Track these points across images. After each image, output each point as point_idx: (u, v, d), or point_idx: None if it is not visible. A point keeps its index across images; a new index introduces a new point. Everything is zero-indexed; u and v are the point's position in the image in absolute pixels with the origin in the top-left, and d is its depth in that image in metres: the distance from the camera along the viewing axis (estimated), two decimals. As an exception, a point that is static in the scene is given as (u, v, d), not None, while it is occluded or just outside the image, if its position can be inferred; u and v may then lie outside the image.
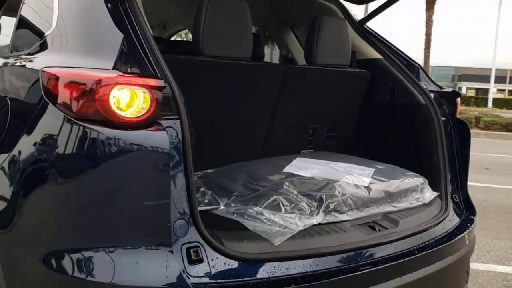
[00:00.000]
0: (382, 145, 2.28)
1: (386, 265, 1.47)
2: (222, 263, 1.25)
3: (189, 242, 1.23)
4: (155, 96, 1.20)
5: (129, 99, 1.19)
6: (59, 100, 1.23)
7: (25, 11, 1.92)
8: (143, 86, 1.19)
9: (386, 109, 2.21)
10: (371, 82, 2.21)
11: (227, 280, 1.24)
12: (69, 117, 1.21)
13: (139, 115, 1.19)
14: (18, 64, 1.60)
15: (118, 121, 1.18)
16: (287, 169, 1.78)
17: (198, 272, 1.21)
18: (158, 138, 1.19)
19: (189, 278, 1.18)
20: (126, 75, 1.20)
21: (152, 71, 1.26)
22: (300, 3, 2.21)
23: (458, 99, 2.09)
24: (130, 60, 1.28)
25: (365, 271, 1.42)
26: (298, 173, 1.73)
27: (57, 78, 1.25)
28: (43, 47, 1.55)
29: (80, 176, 1.20)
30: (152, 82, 1.20)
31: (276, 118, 2.00)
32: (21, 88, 1.47)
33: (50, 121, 1.26)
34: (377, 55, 2.23)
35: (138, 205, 1.18)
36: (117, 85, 1.18)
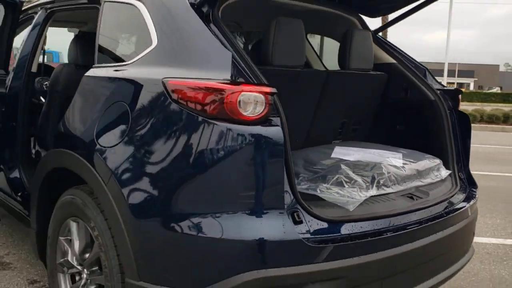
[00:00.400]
0: (396, 134, 2.74)
1: (426, 224, 1.92)
2: (315, 224, 1.66)
3: (293, 208, 1.63)
4: (268, 100, 1.59)
5: (250, 102, 1.58)
6: (191, 105, 1.61)
7: (106, 27, 2.25)
8: (260, 92, 1.58)
9: (400, 104, 2.67)
10: (387, 83, 2.67)
11: (321, 236, 1.65)
12: (202, 117, 1.59)
13: (256, 114, 1.58)
14: (123, 74, 1.94)
15: (241, 119, 1.57)
16: (334, 155, 2.19)
17: (301, 230, 1.61)
18: (272, 131, 1.59)
19: (298, 234, 1.59)
20: (247, 84, 1.58)
21: (259, 80, 1.66)
22: (328, 17, 2.62)
23: (460, 96, 2.57)
24: (241, 72, 1.66)
25: (412, 229, 1.86)
26: (344, 158, 2.15)
27: (189, 87, 1.62)
28: (147, 60, 1.90)
29: (213, 161, 1.58)
30: (266, 89, 1.60)
31: (316, 115, 2.42)
32: (139, 94, 1.81)
33: (182, 120, 1.63)
34: (391, 60, 2.68)
35: (262, 180, 1.57)
36: (242, 92, 1.56)
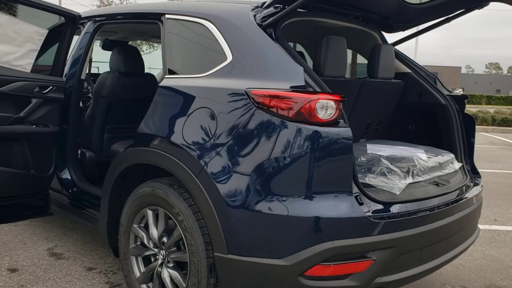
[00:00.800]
0: (409, 133, 3.20)
1: (452, 206, 2.37)
2: (373, 205, 2.08)
3: (356, 193, 2.04)
4: (338, 105, 2.00)
5: (324, 108, 1.98)
6: (274, 110, 2.00)
7: (173, 42, 2.60)
8: (333, 100, 1.99)
9: (414, 107, 3.12)
10: (404, 89, 3.11)
11: (377, 214, 2.06)
12: (283, 120, 1.98)
13: (329, 117, 1.99)
14: (203, 84, 2.31)
15: (316, 121, 1.97)
16: (369, 151, 2.62)
17: (363, 210, 2.03)
18: (342, 130, 2.00)
19: (363, 212, 2.01)
20: (323, 93, 1.99)
21: (325, 89, 2.06)
22: (357, 33, 3.05)
23: (465, 100, 3.05)
24: (311, 82, 2.07)
25: (441, 209, 2.31)
26: (378, 153, 2.58)
27: (272, 96, 2.01)
28: (222, 72, 2.28)
29: (294, 155, 1.97)
30: (337, 97, 2.00)
31: (350, 117, 2.84)
32: (223, 101, 2.18)
33: (265, 122, 2.02)
34: (407, 69, 3.13)
35: (336, 170, 1.98)
36: (319, 100, 1.97)
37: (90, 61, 3.41)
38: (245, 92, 2.10)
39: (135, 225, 2.60)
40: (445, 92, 3.06)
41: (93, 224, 3.10)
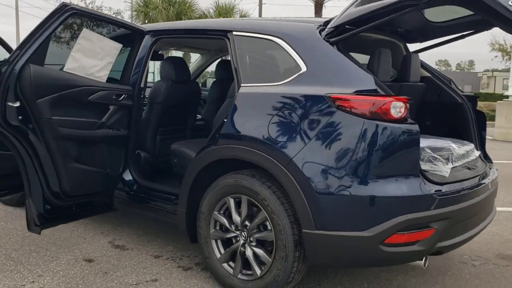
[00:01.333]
0: (427, 128, 3.74)
1: (481, 186, 2.91)
2: (432, 185, 2.59)
3: (421, 176, 2.56)
4: (406, 106, 2.50)
5: (396, 108, 2.47)
6: (355, 110, 2.48)
7: (244, 55, 3.04)
8: (402, 101, 2.49)
9: (434, 106, 3.67)
10: (425, 90, 3.66)
11: (437, 192, 2.57)
12: (361, 118, 2.46)
13: (399, 115, 2.48)
14: (283, 91, 2.75)
15: (391, 119, 2.46)
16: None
17: (428, 189, 2.54)
18: (411, 126, 2.50)
19: (428, 190, 2.53)
20: (395, 96, 2.48)
21: (389, 92, 2.56)
22: (390, 44, 3.56)
23: (477, 99, 3.62)
24: (381, 87, 2.56)
25: (476, 188, 2.85)
26: (420, 145, 3.09)
27: (351, 100, 2.49)
28: (298, 80, 2.74)
29: (373, 147, 2.46)
30: (405, 99, 2.50)
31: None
32: (305, 104, 2.63)
33: (345, 120, 2.49)
34: (427, 73, 3.68)
35: (408, 158, 2.48)
36: (393, 102, 2.46)
37: (147, 70, 3.78)
38: (325, 96, 2.57)
39: (215, 212, 3.02)
40: (460, 93, 3.62)
41: (158, 215, 3.49)
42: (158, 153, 3.96)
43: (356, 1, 2.71)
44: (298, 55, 2.80)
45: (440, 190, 2.62)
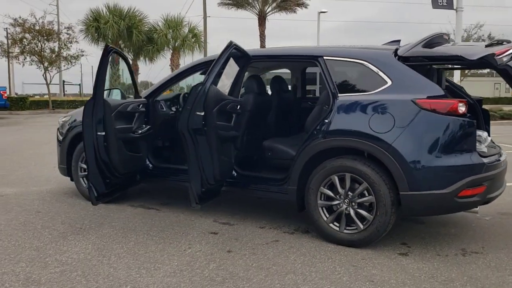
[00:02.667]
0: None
1: (502, 160, 4.28)
2: (482, 158, 3.91)
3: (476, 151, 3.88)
4: (466, 105, 3.81)
5: (461, 107, 3.77)
6: (433, 109, 3.75)
7: (338, 75, 4.23)
8: (463, 102, 3.79)
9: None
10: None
11: (485, 162, 3.89)
12: (439, 114, 3.74)
13: (463, 111, 3.78)
14: (377, 98, 3.97)
15: (458, 114, 3.76)
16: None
17: (482, 160, 3.85)
18: (470, 118, 3.81)
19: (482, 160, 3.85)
20: (456, 99, 3.79)
21: (448, 96, 3.86)
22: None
23: (482, 101, 5.03)
24: (446, 94, 3.85)
25: (500, 161, 4.20)
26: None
27: (431, 103, 3.76)
28: (387, 90, 3.97)
29: (447, 132, 3.74)
30: (465, 101, 3.81)
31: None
32: (396, 106, 3.86)
33: (428, 116, 3.76)
34: (446, 83, 5.05)
35: (468, 138, 3.79)
36: (459, 102, 3.76)
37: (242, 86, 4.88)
38: (412, 101, 3.83)
39: (322, 187, 4.17)
40: (471, 96, 5.02)
41: (256, 195, 4.63)
42: (245, 150, 5.04)
43: (422, 42, 4.00)
44: (382, 72, 4.04)
45: (486, 161, 3.95)
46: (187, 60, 43.67)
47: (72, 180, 5.78)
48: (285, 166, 4.66)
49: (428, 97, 3.84)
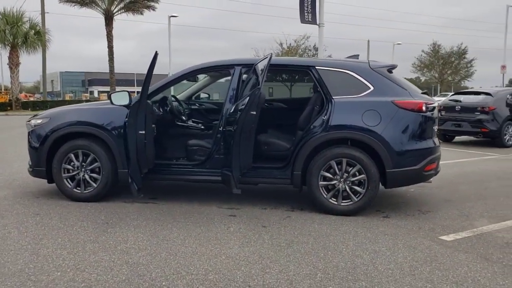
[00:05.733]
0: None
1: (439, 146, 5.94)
2: (437, 143, 5.45)
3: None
4: (427, 105, 5.29)
5: (424, 106, 5.24)
6: (408, 108, 5.16)
7: (330, 81, 5.37)
8: (426, 103, 5.27)
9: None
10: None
11: (437, 148, 5.44)
12: (411, 112, 5.16)
13: (426, 109, 5.26)
14: (365, 100, 5.21)
15: (422, 111, 5.22)
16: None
17: (436, 144, 5.40)
18: (430, 114, 5.31)
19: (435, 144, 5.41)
20: (421, 100, 5.25)
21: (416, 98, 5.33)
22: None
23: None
24: (415, 95, 5.30)
25: (439, 146, 5.84)
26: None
27: (405, 103, 5.16)
28: (371, 94, 5.25)
29: (417, 125, 5.19)
30: (426, 102, 5.29)
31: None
32: (381, 106, 5.15)
33: (404, 114, 5.15)
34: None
35: (430, 128, 5.29)
36: (422, 103, 5.22)
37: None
38: (392, 101, 5.18)
39: (323, 171, 5.28)
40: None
41: (257, 182, 5.55)
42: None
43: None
44: (365, 80, 5.32)
45: (437, 144, 5.51)
46: (27, 58, 39.98)
47: (50, 182, 5.83)
48: (278, 157, 5.62)
49: (402, 99, 5.22)
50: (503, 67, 36.28)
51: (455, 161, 9.71)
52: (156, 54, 4.96)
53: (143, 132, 4.94)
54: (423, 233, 4.65)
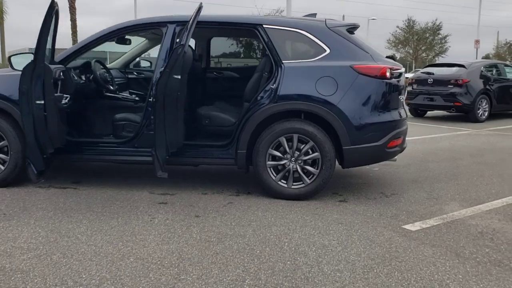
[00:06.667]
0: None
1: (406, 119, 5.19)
2: (403, 116, 4.69)
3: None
4: (392, 71, 4.50)
5: (388, 71, 4.45)
6: (368, 74, 4.36)
7: (279, 43, 4.51)
8: (390, 68, 4.47)
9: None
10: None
11: (403, 121, 4.69)
12: (372, 78, 4.37)
13: (390, 76, 4.46)
14: (320, 64, 4.39)
15: (386, 77, 4.43)
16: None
17: (403, 116, 4.64)
18: (398, 81, 4.53)
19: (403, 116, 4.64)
20: (385, 65, 4.45)
21: (381, 63, 4.54)
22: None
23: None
24: (378, 59, 4.50)
25: (406, 119, 5.10)
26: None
27: (366, 68, 4.36)
28: (327, 58, 4.43)
29: (379, 93, 4.40)
30: (391, 67, 4.50)
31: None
32: (338, 71, 4.34)
33: (364, 80, 4.35)
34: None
35: (395, 98, 4.52)
36: (387, 68, 4.43)
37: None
38: (350, 66, 4.37)
39: (270, 149, 4.47)
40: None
41: (196, 162, 4.73)
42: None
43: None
44: (320, 41, 4.49)
45: (403, 117, 4.74)
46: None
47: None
48: (222, 132, 4.80)
49: (362, 63, 4.42)
50: (477, 41, 35.97)
51: (425, 136, 9.05)
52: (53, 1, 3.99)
53: (42, 102, 4.02)
54: (384, 221, 3.92)
